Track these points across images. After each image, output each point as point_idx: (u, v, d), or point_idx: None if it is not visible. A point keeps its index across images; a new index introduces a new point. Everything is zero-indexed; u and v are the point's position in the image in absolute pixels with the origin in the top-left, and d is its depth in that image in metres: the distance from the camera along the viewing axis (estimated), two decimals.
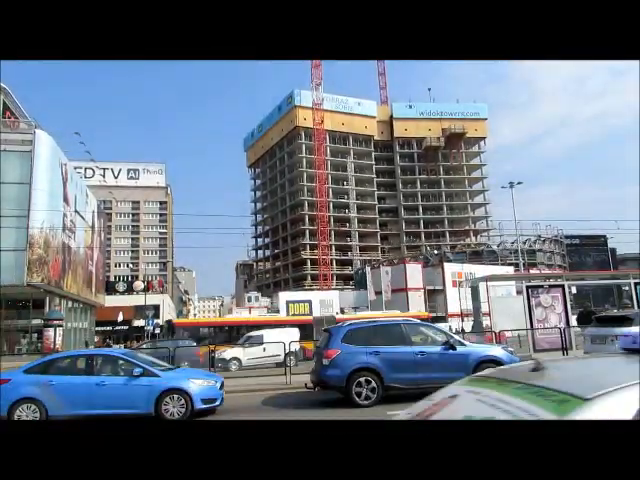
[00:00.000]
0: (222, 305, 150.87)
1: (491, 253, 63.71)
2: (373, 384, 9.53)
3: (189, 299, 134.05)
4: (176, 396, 9.01)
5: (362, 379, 9.54)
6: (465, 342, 10.52)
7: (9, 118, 41.93)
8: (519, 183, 45.70)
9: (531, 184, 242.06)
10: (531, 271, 52.67)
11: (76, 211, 44.24)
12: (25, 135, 37.14)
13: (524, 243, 61.89)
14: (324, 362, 9.77)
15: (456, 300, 46.25)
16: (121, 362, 9.47)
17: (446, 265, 49.58)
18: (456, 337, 10.58)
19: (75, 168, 50.73)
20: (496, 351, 10.25)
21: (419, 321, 12.16)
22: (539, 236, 67.88)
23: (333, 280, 79.31)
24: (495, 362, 9.95)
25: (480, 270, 50.19)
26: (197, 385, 9.27)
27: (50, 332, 32.00)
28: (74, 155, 49.19)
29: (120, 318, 53.14)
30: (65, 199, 40.86)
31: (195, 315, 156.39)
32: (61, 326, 33.63)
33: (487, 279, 15.39)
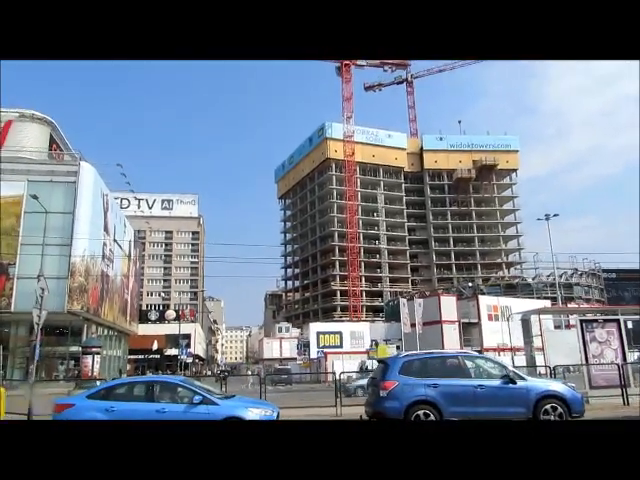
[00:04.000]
0: (250, 335, 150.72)
1: (526, 286, 62.40)
2: (432, 417, 9.33)
3: (217, 329, 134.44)
4: None
5: (421, 412, 9.35)
6: (525, 376, 10.26)
7: (55, 151, 43.67)
8: (555, 215, 44.87)
9: (564, 216, 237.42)
10: (569, 305, 51.26)
11: (115, 240, 45.31)
12: (70, 167, 38.43)
13: (560, 277, 60.45)
14: (381, 394, 9.63)
15: (492, 334, 45.34)
16: (180, 389, 9.50)
17: (481, 298, 48.69)
18: (515, 371, 10.34)
19: (114, 198, 52.24)
20: (558, 386, 9.94)
21: (476, 353, 11.94)
22: (576, 269, 66.25)
23: (363, 312, 78.65)
24: (557, 398, 9.67)
25: (516, 304, 49.07)
26: (255, 414, 9.20)
27: (88, 359, 32.32)
28: (112, 186, 50.67)
29: (155, 347, 53.62)
30: (105, 228, 41.95)
31: (222, 345, 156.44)
32: (99, 353, 34.00)
33: (539, 312, 15.06)
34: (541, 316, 14.78)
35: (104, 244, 41.17)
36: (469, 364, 10.13)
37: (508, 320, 22.03)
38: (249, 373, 37.52)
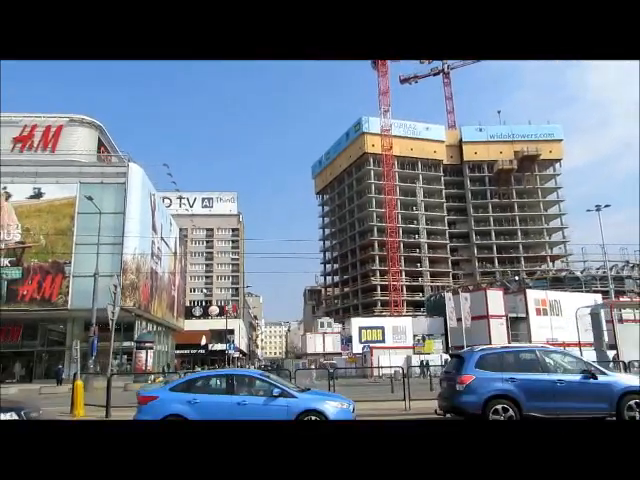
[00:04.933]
0: (289, 330, 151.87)
1: (574, 280, 60.58)
2: (510, 412, 9.22)
3: (257, 324, 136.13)
4: (313, 417, 9.08)
5: (499, 406, 9.26)
6: (607, 371, 10.01)
7: (103, 153, 44.95)
8: (607, 206, 43.36)
9: (607, 208, 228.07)
10: (621, 299, 49.52)
11: (162, 238, 46.42)
12: (119, 168, 39.51)
13: (610, 269, 58.46)
14: (458, 388, 9.57)
15: (540, 329, 44.26)
16: (259, 382, 9.70)
17: (529, 292, 47.51)
18: (596, 365, 10.10)
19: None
20: None
21: (553, 347, 11.71)
22: (627, 262, 63.86)
23: (404, 306, 78.14)
24: None
25: (565, 298, 47.80)
26: (333, 407, 9.30)
27: (142, 354, 33.38)
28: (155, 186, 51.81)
29: (203, 342, 54.76)
30: (153, 227, 43.02)
31: (262, 340, 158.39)
32: (152, 348, 34.99)
33: (611, 305, 14.64)
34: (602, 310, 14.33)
35: (152, 242, 42.24)
36: (546, 358, 9.96)
37: (576, 316, 21.23)
38: (312, 367, 38.18)
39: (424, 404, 12.86)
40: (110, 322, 14.05)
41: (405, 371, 14.15)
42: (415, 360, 38.89)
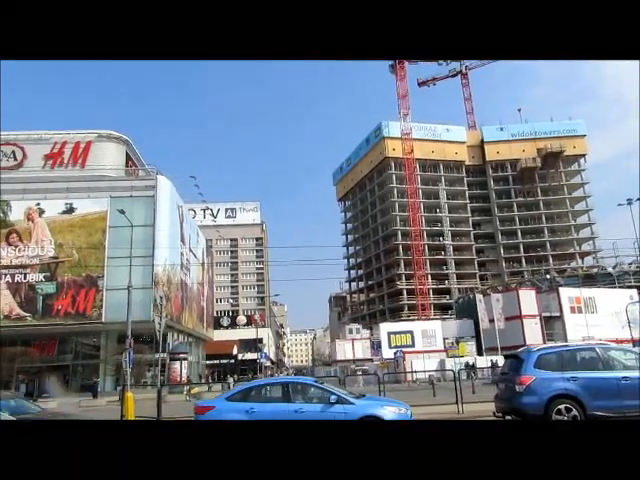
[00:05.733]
0: (315, 338, 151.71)
1: (606, 276, 59.21)
2: (574, 412, 8.98)
3: (283, 333, 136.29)
4: None
5: (562, 407, 9.02)
6: None
7: (131, 167, 45.63)
8: (639, 199, 42.39)
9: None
10: None
11: (190, 250, 46.88)
12: (148, 181, 40.02)
13: None
14: (518, 389, 9.35)
15: (576, 327, 43.34)
16: (314, 390, 9.63)
17: (561, 290, 46.64)
18: None
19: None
20: None
21: (614, 344, 11.42)
22: None
23: (431, 310, 77.38)
24: None
25: (600, 294, 46.84)
26: (391, 412, 9.18)
27: (176, 365, 33.64)
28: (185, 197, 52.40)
29: (235, 351, 54.99)
30: (182, 239, 43.48)
31: (288, 348, 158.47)
32: (186, 359, 35.22)
33: None
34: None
35: (181, 254, 42.68)
36: (607, 355, 9.69)
37: (627, 312, 20.53)
38: (359, 373, 38.20)
39: (475, 407, 12.66)
40: (157, 333, 14.20)
41: (456, 374, 13.94)
42: (449, 363, 38.42)
